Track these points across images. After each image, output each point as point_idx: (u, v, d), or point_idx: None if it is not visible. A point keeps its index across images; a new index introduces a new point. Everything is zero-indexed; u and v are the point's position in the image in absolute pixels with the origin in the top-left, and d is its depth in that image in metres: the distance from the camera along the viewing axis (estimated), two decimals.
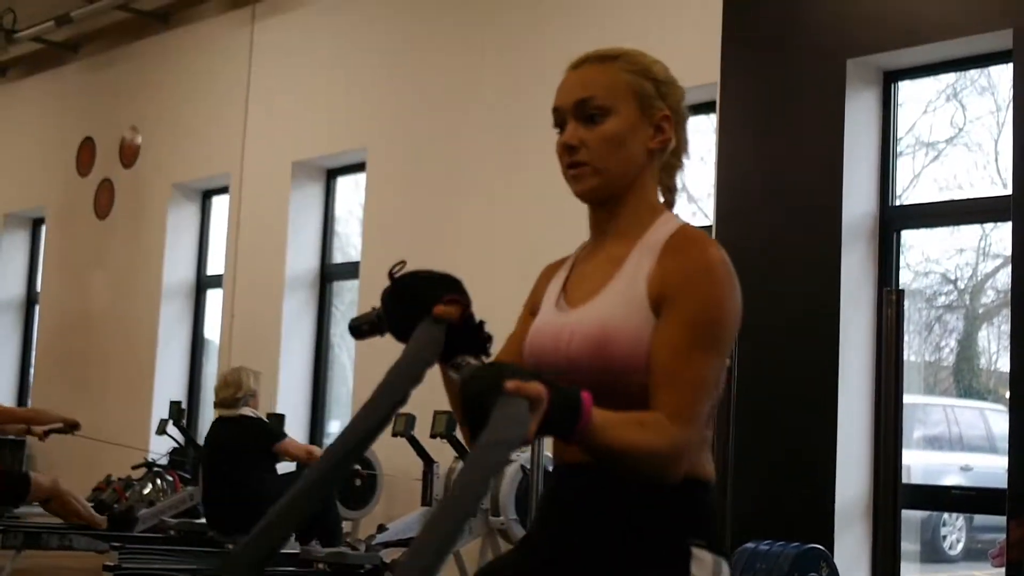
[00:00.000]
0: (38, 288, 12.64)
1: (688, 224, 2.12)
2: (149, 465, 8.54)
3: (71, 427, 7.37)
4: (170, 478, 8.40)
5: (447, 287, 2.03)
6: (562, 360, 2.02)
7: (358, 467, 6.98)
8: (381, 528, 6.58)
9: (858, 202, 6.06)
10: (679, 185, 2.23)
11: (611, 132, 2.10)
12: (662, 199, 2.20)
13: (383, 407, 1.88)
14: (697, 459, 1.99)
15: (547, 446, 4.87)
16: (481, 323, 2.05)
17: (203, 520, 8.24)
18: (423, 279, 2.05)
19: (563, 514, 2.02)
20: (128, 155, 11.12)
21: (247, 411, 6.39)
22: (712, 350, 1.94)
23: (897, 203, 6.18)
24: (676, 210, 2.21)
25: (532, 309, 2.22)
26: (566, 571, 1.96)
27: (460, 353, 1.99)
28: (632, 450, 1.87)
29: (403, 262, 2.06)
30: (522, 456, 6.07)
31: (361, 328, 2.13)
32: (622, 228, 2.12)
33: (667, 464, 1.90)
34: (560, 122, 2.15)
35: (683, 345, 1.93)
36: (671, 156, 2.20)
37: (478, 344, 2.03)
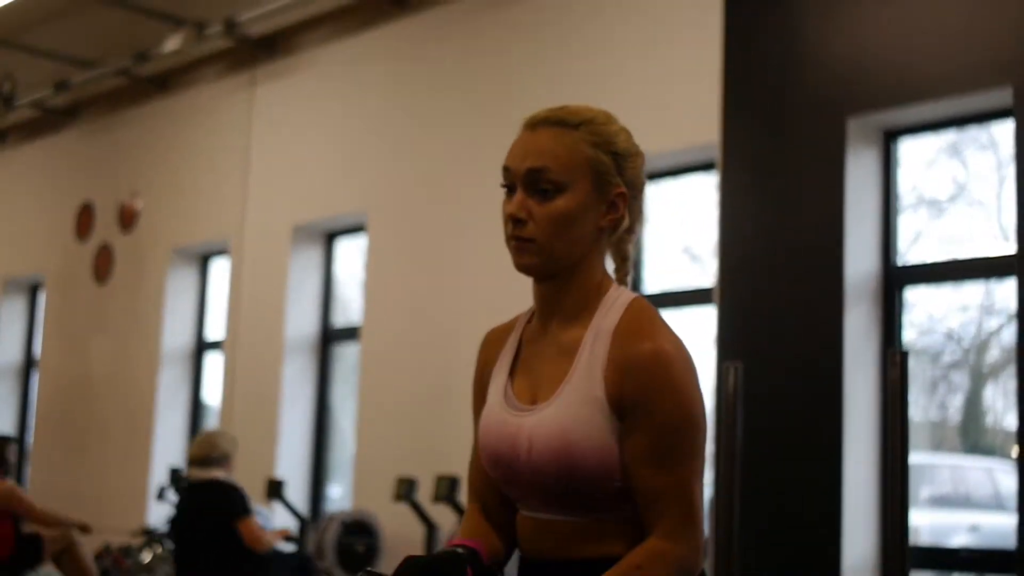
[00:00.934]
0: (36, 353, 12.61)
1: (637, 299, 2.03)
2: (148, 532, 8.48)
3: (83, 529, 7.43)
4: (170, 545, 8.33)
5: (452, 567, 1.95)
6: (524, 469, 1.95)
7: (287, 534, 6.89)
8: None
9: (860, 260, 6.03)
10: (631, 255, 2.13)
11: (561, 211, 2.00)
12: (613, 270, 2.12)
13: None
14: None
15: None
16: None
17: None
18: (424, 568, 1.95)
19: None
20: (127, 220, 11.12)
21: (219, 474, 6.28)
22: (689, 455, 1.89)
23: (900, 261, 6.15)
24: (629, 282, 2.13)
25: (480, 391, 2.14)
26: None
27: None
28: None
29: (369, 570, 2.00)
30: None
31: None
32: (568, 309, 2.04)
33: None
34: (509, 183, 2.06)
35: (663, 461, 1.87)
36: (624, 232, 2.09)
37: None
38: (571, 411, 1.92)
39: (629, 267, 2.12)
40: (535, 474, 1.93)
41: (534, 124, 2.06)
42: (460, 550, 1.92)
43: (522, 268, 2.05)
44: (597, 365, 1.93)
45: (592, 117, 2.06)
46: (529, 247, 2.02)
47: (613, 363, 1.92)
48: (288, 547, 7.36)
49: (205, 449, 6.33)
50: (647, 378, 1.89)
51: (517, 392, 2.05)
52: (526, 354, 2.09)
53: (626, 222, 2.08)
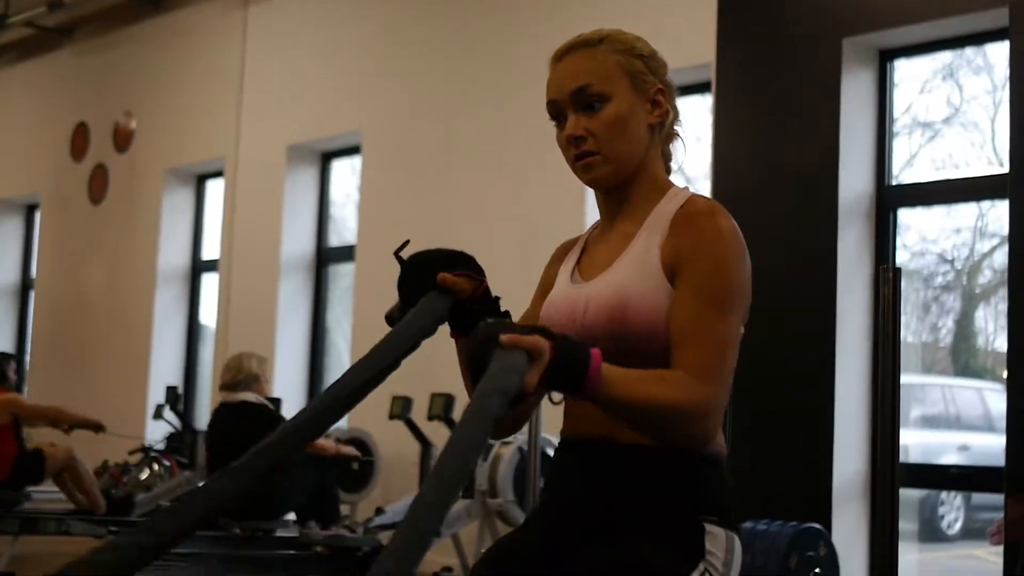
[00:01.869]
0: (33, 274, 12.62)
1: (697, 195, 2.12)
2: (146, 450, 8.52)
3: (96, 428, 7.41)
4: (167, 463, 8.38)
5: (456, 262, 2.03)
6: (577, 329, 1.99)
7: (356, 452, 6.91)
8: (379, 511, 6.58)
9: (854, 181, 6.05)
10: (675, 154, 2.24)
11: (614, 117, 2.08)
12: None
13: (374, 368, 1.87)
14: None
15: (545, 426, 4.86)
16: (497, 298, 2.05)
17: None
18: (430, 254, 2.04)
19: (571, 493, 2.00)
20: (122, 140, 11.09)
21: (249, 396, 6.35)
22: (727, 311, 1.93)
23: (893, 183, 6.17)
24: (675, 178, 2.21)
25: (544, 290, 2.20)
26: (576, 550, 1.94)
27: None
28: (652, 404, 1.84)
29: (407, 241, 2.05)
30: (519, 438, 6.07)
31: (392, 316, 2.11)
32: (632, 208, 2.11)
33: (692, 420, 1.88)
34: (557, 115, 2.13)
35: (699, 307, 1.92)
36: (671, 127, 2.21)
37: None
38: (626, 272, 2.00)
39: (671, 166, 2.23)
40: (586, 332, 1.97)
41: (560, 56, 2.15)
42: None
43: (594, 182, 2.12)
44: (655, 240, 2.01)
45: (608, 33, 2.14)
46: (595, 160, 2.09)
47: (671, 238, 2.01)
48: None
49: (232, 374, 6.40)
50: (699, 240, 1.97)
51: (582, 274, 2.12)
52: (591, 248, 2.17)
53: (671, 115, 2.18)
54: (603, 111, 2.08)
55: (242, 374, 6.36)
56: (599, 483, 1.95)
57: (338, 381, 1.86)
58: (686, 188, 2.16)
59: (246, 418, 6.25)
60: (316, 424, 1.76)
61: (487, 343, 1.74)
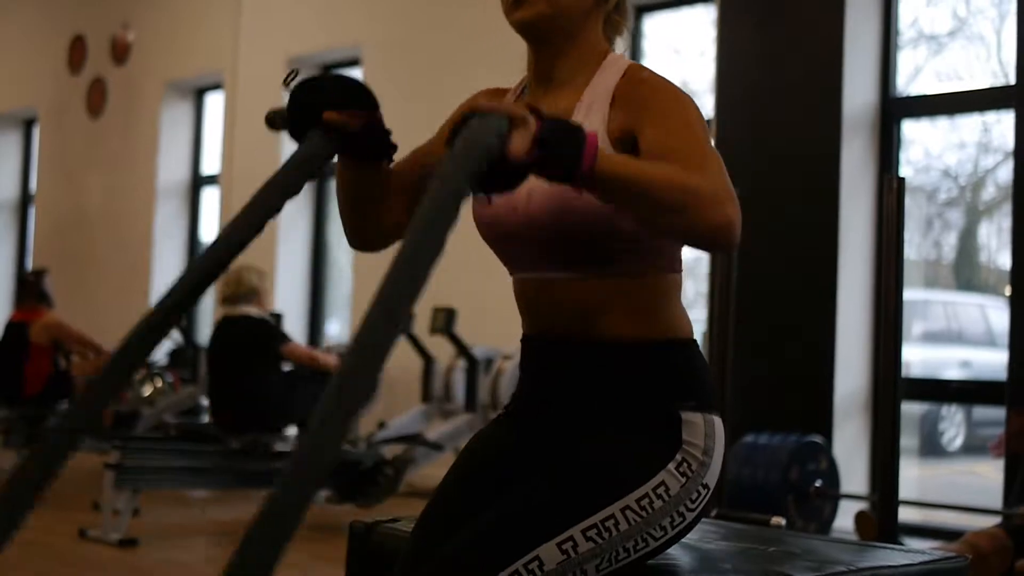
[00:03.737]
0: (32, 188, 12.59)
1: (636, 64, 1.95)
2: (149, 366, 8.54)
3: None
4: (170, 378, 8.41)
5: (345, 94, 1.92)
6: (520, 219, 1.90)
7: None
8: (381, 425, 6.60)
9: (859, 93, 6.00)
10: (618, 29, 2.04)
11: None
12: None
13: (255, 219, 1.76)
14: (673, 316, 1.92)
15: None
16: (387, 132, 1.96)
17: (205, 419, 8.28)
18: (319, 85, 1.93)
19: (543, 391, 1.96)
20: (120, 52, 11.00)
21: (250, 310, 6.33)
22: (702, 141, 1.77)
23: (898, 95, 6.12)
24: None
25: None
26: (551, 446, 1.92)
27: (365, 159, 1.94)
28: (666, 187, 1.66)
29: (295, 71, 1.97)
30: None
31: (273, 120, 2.01)
32: (566, 74, 1.97)
33: (711, 207, 1.66)
34: None
35: (673, 142, 1.76)
36: (613, 11, 2.02)
37: (385, 152, 1.96)
38: None
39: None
40: (533, 226, 1.88)
41: None
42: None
43: (524, 21, 1.97)
44: (598, 118, 1.88)
45: None
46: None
47: (616, 101, 1.87)
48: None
49: (231, 287, 6.37)
50: (647, 98, 1.83)
51: None
52: None
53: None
54: None
55: (242, 287, 6.34)
56: (571, 380, 1.90)
57: (213, 243, 1.72)
58: (622, 55, 2.00)
59: (248, 331, 6.24)
60: (195, 288, 1.64)
61: (465, 118, 1.59)
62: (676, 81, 1.91)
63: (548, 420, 1.95)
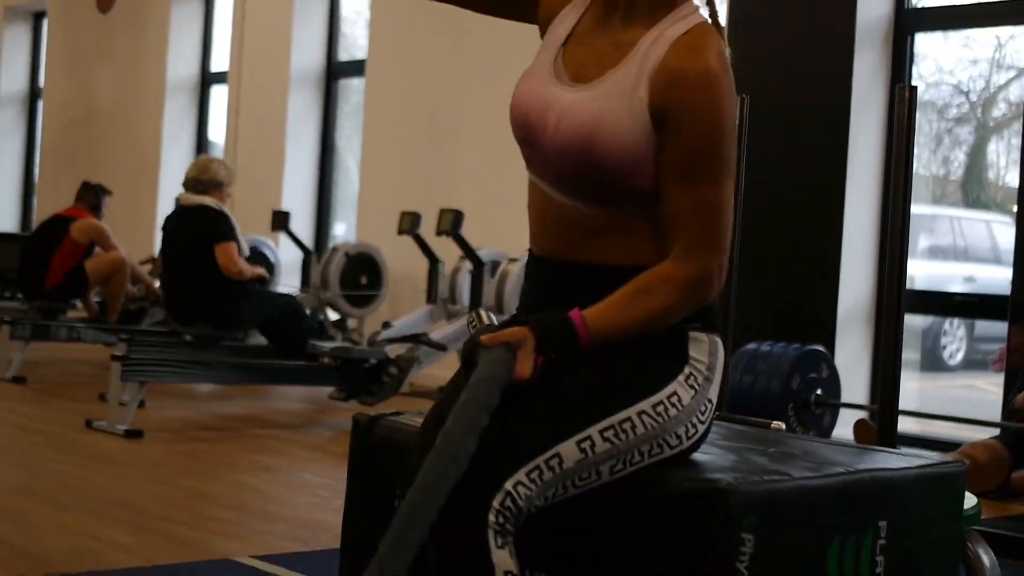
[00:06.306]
0: (41, 83, 12.54)
1: (705, 22, 1.94)
2: (155, 261, 8.56)
3: (154, 299, 7.69)
4: None
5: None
6: (548, 144, 1.91)
7: (263, 272, 6.82)
8: (386, 325, 6.63)
9: (873, 4, 5.96)
10: None
11: None
12: None
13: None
14: None
15: None
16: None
17: None
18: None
19: (549, 305, 1.97)
20: None
21: (208, 201, 6.25)
22: (718, 175, 1.85)
23: (912, 6, 6.08)
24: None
25: (545, 21, 2.06)
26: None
27: None
28: (650, 319, 1.86)
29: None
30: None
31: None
32: (638, 6, 1.94)
33: (695, 301, 1.88)
34: None
35: (688, 177, 1.83)
36: None
37: None
38: (607, 102, 1.88)
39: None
40: (556, 152, 1.90)
41: None
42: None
43: None
44: (648, 67, 1.88)
45: None
46: None
47: (664, 70, 1.86)
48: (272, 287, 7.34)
49: (196, 171, 6.31)
50: (692, 93, 1.83)
51: (566, 62, 1.98)
52: (582, 36, 2.01)
53: None
54: None
55: (207, 175, 6.28)
56: (573, 301, 1.92)
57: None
58: (698, 6, 1.97)
59: (204, 221, 6.18)
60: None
61: (472, 351, 1.82)
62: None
63: None
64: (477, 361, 1.79)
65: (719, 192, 1.86)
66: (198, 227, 6.18)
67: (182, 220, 6.28)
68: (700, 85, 1.85)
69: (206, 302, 6.18)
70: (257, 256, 8.18)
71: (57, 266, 7.40)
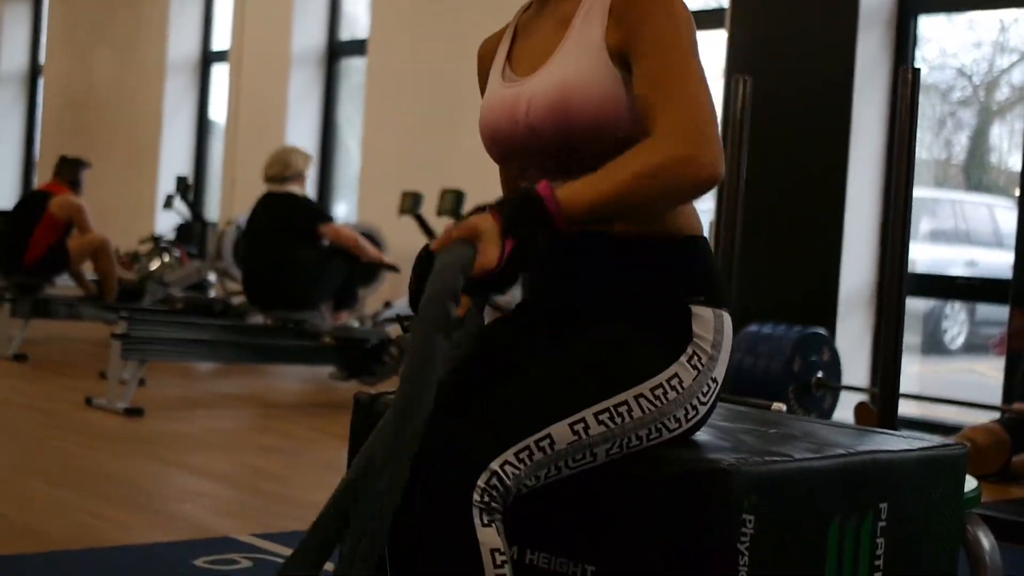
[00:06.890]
0: (41, 61, 12.52)
1: None
2: (156, 240, 8.57)
3: (122, 280, 7.69)
4: (177, 253, 8.44)
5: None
6: (522, 131, 1.90)
7: (396, 267, 6.82)
8: (387, 305, 6.63)
9: None
10: None
11: None
12: None
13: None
14: (683, 215, 1.92)
15: None
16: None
17: (212, 294, 8.33)
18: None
19: (556, 281, 1.96)
20: None
21: (294, 189, 6.38)
22: (693, 71, 1.80)
23: None
24: None
25: (484, 91, 2.06)
26: (563, 337, 1.93)
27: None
28: (636, 184, 1.74)
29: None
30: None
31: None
32: None
33: (678, 180, 1.75)
34: None
35: (664, 73, 1.79)
36: None
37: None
38: (569, 62, 1.87)
39: None
40: (533, 135, 1.88)
41: None
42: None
43: None
44: (596, 27, 1.87)
45: None
46: None
47: (613, 14, 1.85)
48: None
49: (279, 167, 6.40)
50: (642, 13, 1.82)
51: (516, 69, 1.99)
52: (523, 37, 2.03)
53: None
54: None
55: (290, 170, 6.41)
56: (579, 274, 1.91)
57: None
58: None
59: (292, 208, 6.32)
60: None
61: (423, 261, 1.70)
62: None
63: (559, 311, 1.96)
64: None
65: (694, 87, 1.80)
66: (287, 216, 6.28)
67: (270, 209, 6.37)
68: (648, 7, 1.83)
69: (288, 282, 6.26)
70: None
71: (37, 242, 7.41)
